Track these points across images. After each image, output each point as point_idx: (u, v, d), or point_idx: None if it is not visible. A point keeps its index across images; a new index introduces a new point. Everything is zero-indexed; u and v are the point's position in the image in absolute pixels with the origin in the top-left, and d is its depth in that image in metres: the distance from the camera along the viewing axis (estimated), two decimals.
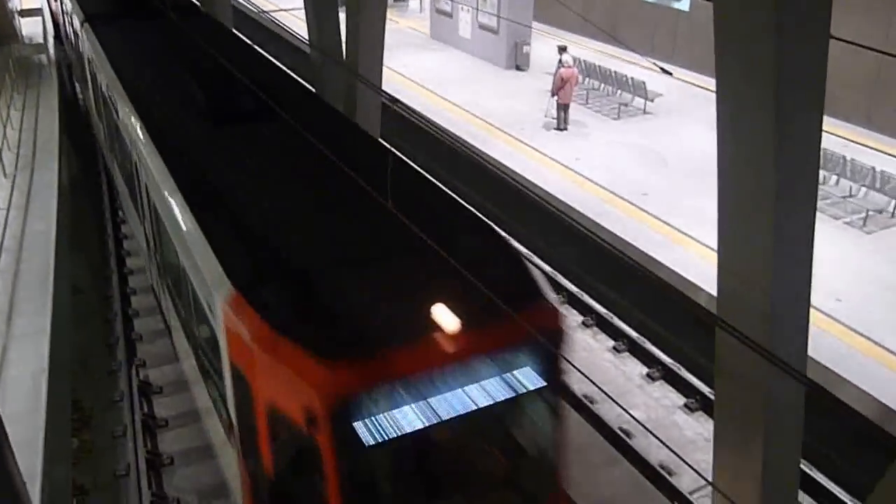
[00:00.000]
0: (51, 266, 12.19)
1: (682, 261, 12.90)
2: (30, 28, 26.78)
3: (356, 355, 5.37)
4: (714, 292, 7.11)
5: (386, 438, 5.31)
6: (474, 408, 5.53)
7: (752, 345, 4.12)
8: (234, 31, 16.75)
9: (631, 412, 11.08)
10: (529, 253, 14.02)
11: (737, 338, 4.03)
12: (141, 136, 9.66)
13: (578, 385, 11.31)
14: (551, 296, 6.32)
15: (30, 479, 7.75)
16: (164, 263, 9.41)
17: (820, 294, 11.13)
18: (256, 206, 7.61)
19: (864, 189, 15.12)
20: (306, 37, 15.00)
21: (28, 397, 9.21)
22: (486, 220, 7.50)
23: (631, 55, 20.23)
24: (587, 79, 21.98)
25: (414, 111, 7.44)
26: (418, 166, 10.45)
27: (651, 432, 3.99)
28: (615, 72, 21.10)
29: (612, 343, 12.74)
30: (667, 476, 10.16)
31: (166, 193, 8.23)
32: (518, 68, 24.18)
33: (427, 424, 5.40)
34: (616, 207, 14.99)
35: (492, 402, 5.59)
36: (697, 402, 11.46)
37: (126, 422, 10.62)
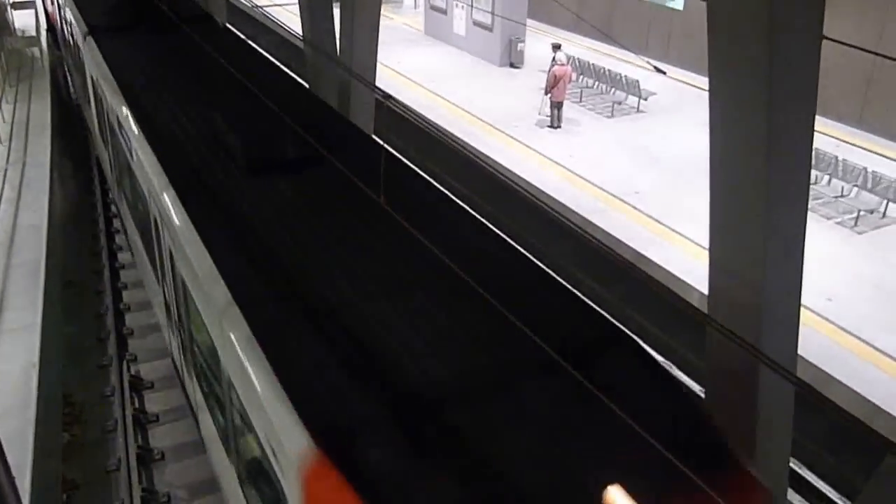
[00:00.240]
0: (42, 260, 12.15)
1: (672, 259, 12.94)
2: (23, 20, 26.62)
3: None
4: (705, 291, 7.14)
5: None
6: None
7: (742, 343, 4.13)
8: (257, 47, 15.72)
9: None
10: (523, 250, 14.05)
11: (727, 336, 4.04)
12: (164, 193, 8.00)
13: None
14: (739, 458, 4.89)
15: (19, 473, 7.74)
16: (193, 345, 7.90)
17: (811, 293, 11.18)
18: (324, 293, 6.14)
19: (855, 189, 15.19)
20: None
21: (18, 391, 9.18)
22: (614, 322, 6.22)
23: (625, 54, 20.26)
24: (581, 77, 22.00)
25: (408, 108, 7.41)
26: (413, 164, 10.48)
27: (642, 433, 3.98)
28: (609, 70, 21.12)
29: None
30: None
31: (199, 275, 6.87)
32: (512, 66, 24.19)
33: None
34: (608, 205, 15.02)
35: None
36: None
37: (117, 417, 10.61)
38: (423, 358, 5.36)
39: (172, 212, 7.65)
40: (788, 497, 9.53)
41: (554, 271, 6.67)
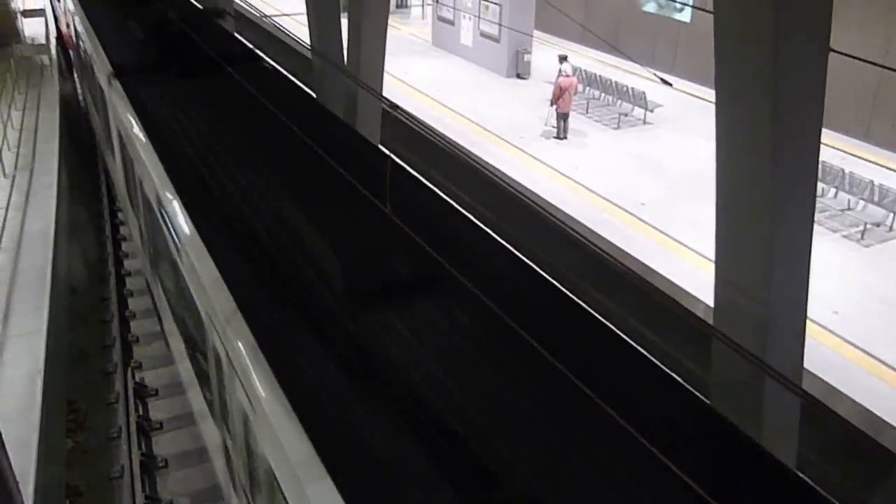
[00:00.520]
0: (48, 266, 12.19)
1: (677, 270, 12.92)
2: (32, 28, 26.80)
3: None
4: (710, 302, 7.13)
5: None
6: None
7: (748, 356, 4.12)
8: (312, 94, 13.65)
9: None
10: (528, 260, 14.03)
11: (733, 348, 4.04)
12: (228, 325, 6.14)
13: None
14: None
15: (23, 479, 7.74)
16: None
17: (817, 306, 11.14)
18: None
19: (862, 202, 15.16)
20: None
21: (23, 397, 9.19)
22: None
23: (631, 65, 20.29)
24: (587, 88, 22.03)
25: (414, 118, 7.34)
26: (419, 173, 10.48)
27: (645, 443, 3.99)
28: (615, 82, 21.14)
29: None
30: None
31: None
32: (519, 76, 24.23)
33: None
34: (614, 216, 15.01)
35: None
36: None
37: (121, 424, 10.61)
38: (428, 367, 5.36)
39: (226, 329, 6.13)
40: None
41: (559, 282, 6.66)
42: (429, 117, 19.84)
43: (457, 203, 9.26)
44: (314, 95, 14.65)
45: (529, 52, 24.13)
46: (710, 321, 6.99)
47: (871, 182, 14.83)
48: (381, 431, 4.79)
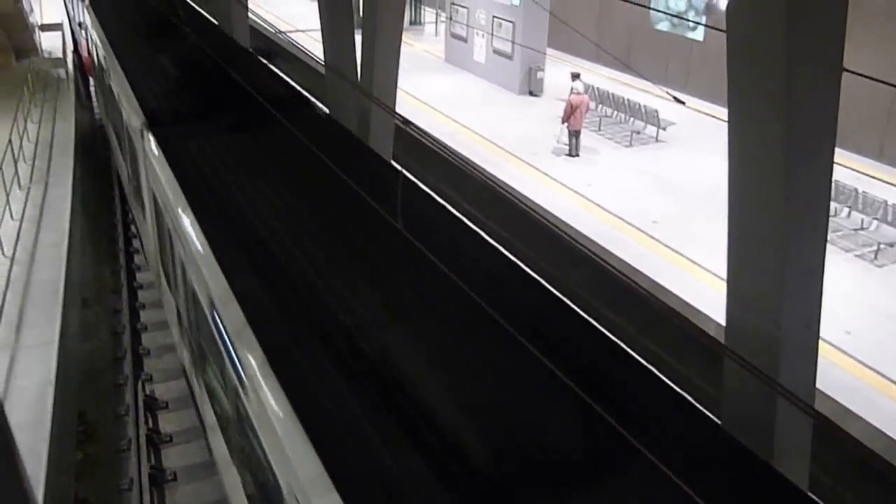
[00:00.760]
0: (61, 278, 12.27)
1: (690, 289, 12.87)
2: (50, 42, 27.09)
3: None
4: (722, 321, 7.09)
5: None
6: None
7: (759, 375, 4.10)
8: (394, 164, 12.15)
9: None
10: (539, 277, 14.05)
11: (745, 367, 4.02)
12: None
13: None
14: None
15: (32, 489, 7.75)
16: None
17: (830, 326, 11.07)
18: None
19: (875, 222, 15.08)
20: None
21: (34, 408, 9.22)
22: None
23: (644, 83, 20.31)
24: (600, 106, 22.06)
25: (427, 134, 7.28)
26: (431, 189, 10.48)
27: (657, 462, 3.97)
28: (628, 99, 21.17)
29: None
30: None
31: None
32: (531, 94, 24.30)
33: None
34: (625, 234, 14.98)
35: None
36: None
37: (131, 436, 10.63)
38: (439, 384, 5.35)
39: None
40: None
41: (571, 299, 6.65)
42: (442, 134, 19.90)
43: (468, 219, 9.27)
44: (327, 111, 14.74)
45: (542, 70, 24.20)
46: (722, 340, 6.95)
47: (885, 202, 14.76)
48: (390, 448, 4.78)
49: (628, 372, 5.74)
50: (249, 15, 21.44)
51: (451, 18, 27.42)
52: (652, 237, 14.87)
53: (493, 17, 24.90)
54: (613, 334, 6.43)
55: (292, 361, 5.62)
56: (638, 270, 13.53)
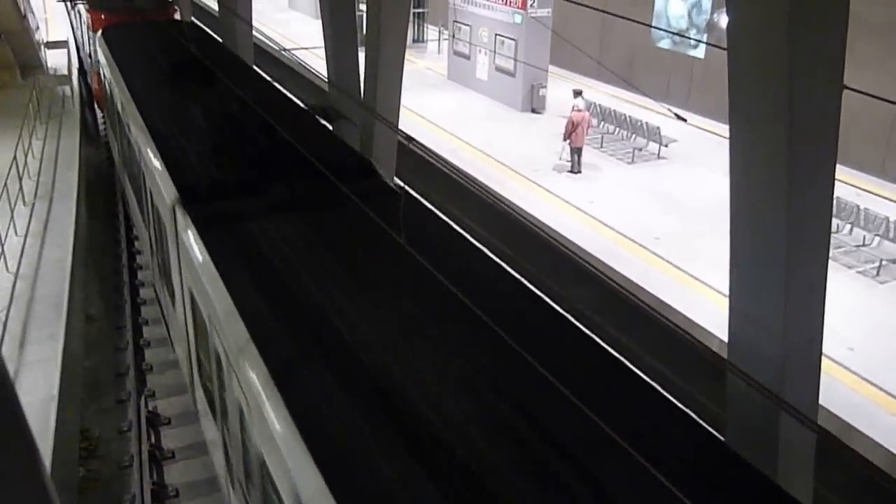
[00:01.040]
0: (65, 294, 12.29)
1: (692, 305, 12.87)
2: (55, 59, 27.25)
3: None
4: (725, 338, 7.10)
5: None
6: None
7: (762, 390, 4.11)
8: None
9: None
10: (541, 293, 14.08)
11: (748, 382, 4.03)
12: None
13: None
14: None
15: None
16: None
17: (833, 342, 11.06)
18: None
19: (877, 238, 15.09)
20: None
21: (36, 424, 9.22)
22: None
23: (646, 100, 20.39)
24: (602, 123, 22.14)
25: (429, 150, 7.22)
26: (434, 206, 10.50)
27: (661, 478, 3.97)
28: (630, 116, 21.25)
29: None
30: None
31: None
32: (534, 111, 24.39)
33: None
34: (628, 250, 15.01)
35: None
36: None
37: (133, 452, 10.61)
38: (444, 399, 5.36)
39: None
40: None
41: (573, 315, 6.66)
42: (445, 150, 19.97)
43: (471, 235, 9.30)
44: (330, 127, 14.81)
45: (545, 87, 24.31)
46: (725, 357, 6.95)
47: (887, 218, 14.78)
48: (394, 465, 4.79)
49: (631, 388, 5.74)
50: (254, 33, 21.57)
51: (453, 36, 27.59)
52: (654, 254, 14.89)
53: (496, 34, 25.05)
54: (616, 350, 6.44)
55: (296, 378, 5.63)
56: (641, 287, 13.54)
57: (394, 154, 14.55)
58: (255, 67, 18.21)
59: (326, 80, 15.26)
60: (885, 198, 17.37)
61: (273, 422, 5.38)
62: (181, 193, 8.83)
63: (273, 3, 40.53)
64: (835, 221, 15.48)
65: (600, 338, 6.53)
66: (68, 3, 29.04)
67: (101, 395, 12.18)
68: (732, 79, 6.11)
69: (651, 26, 24.11)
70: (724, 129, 6.52)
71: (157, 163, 10.08)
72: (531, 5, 23.50)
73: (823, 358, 6.89)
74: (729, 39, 6.09)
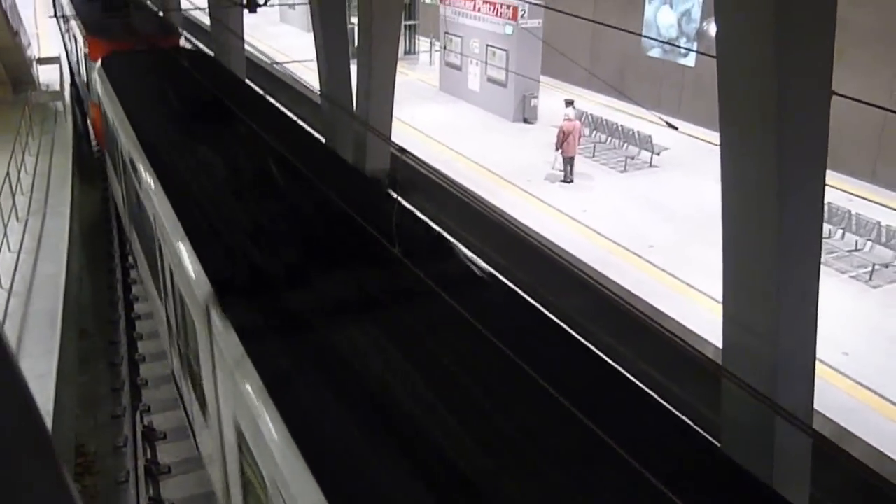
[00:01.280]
0: (59, 309, 12.27)
1: (687, 312, 12.91)
2: (47, 75, 27.27)
3: None
4: (719, 344, 7.13)
5: None
6: None
7: (757, 395, 4.13)
8: None
9: None
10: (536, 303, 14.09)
11: (742, 388, 4.05)
12: None
13: None
14: None
15: None
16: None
17: (827, 347, 11.10)
18: None
19: (869, 243, 15.17)
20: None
21: None
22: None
23: (637, 109, 20.49)
24: (594, 132, 22.23)
25: (422, 161, 7.19)
26: (427, 216, 10.53)
27: (657, 484, 3.99)
28: (622, 125, 21.34)
29: None
30: None
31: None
32: (526, 121, 24.48)
33: None
34: (622, 259, 15.05)
35: None
36: None
37: (129, 468, 10.58)
38: (440, 411, 5.36)
39: None
40: None
41: (568, 324, 6.68)
42: (438, 161, 20.02)
43: (465, 245, 9.33)
44: (323, 140, 14.84)
45: (536, 97, 24.41)
46: (719, 363, 6.98)
47: (878, 223, 14.86)
48: (392, 477, 4.79)
49: (626, 394, 5.75)
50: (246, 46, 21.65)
51: (445, 48, 27.70)
52: (648, 261, 14.93)
53: (487, 45, 25.16)
54: (611, 357, 6.46)
55: (291, 390, 5.63)
56: (635, 295, 13.58)
57: (387, 165, 14.59)
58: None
59: (319, 92, 15.31)
60: (877, 202, 17.47)
61: None
62: (216, 289, 6.97)
63: (265, 17, 40.60)
64: (827, 226, 15.55)
65: (595, 345, 6.55)
66: (61, 25, 28.83)
67: (96, 410, 12.14)
68: (722, 86, 6.17)
69: (641, 35, 24.26)
70: (716, 136, 6.57)
71: (180, 243, 7.99)
72: (522, 16, 23.63)
73: (818, 363, 6.92)
74: (718, 48, 6.14)
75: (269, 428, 5.38)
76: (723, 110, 6.22)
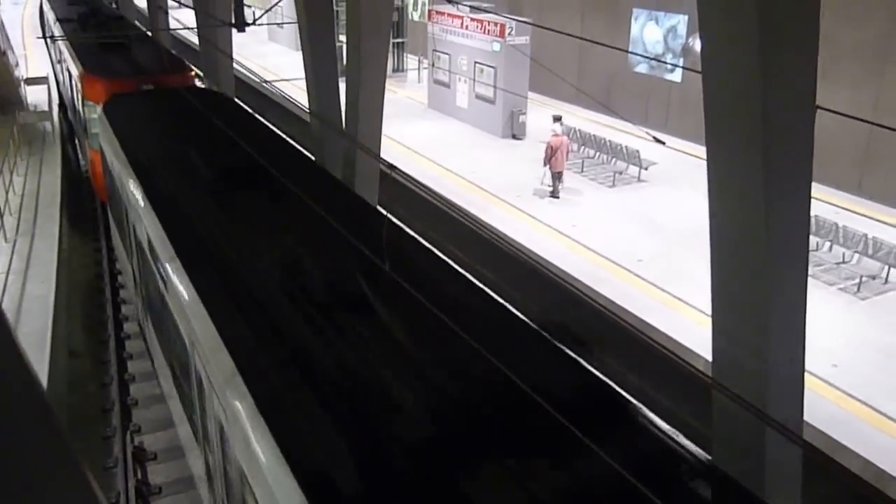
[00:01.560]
0: (48, 330, 12.21)
1: (676, 325, 12.95)
2: (35, 95, 27.24)
3: None
4: (709, 357, 7.16)
5: None
6: None
7: (748, 407, 4.16)
8: None
9: None
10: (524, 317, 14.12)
11: (733, 399, 4.08)
12: None
13: None
14: None
15: None
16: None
17: (816, 359, 11.16)
18: None
19: (857, 255, 15.28)
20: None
21: None
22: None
23: (625, 125, 20.62)
24: (582, 147, 22.35)
25: (412, 178, 7.15)
26: (417, 233, 10.55)
27: (650, 496, 4.00)
28: (610, 141, 21.47)
29: None
30: None
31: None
32: (514, 137, 24.59)
33: None
34: (611, 273, 15.10)
35: None
36: None
37: (119, 489, 10.51)
38: (431, 425, 5.37)
39: None
40: None
41: (558, 339, 6.70)
42: (427, 178, 20.07)
43: (454, 261, 9.35)
44: (313, 158, 14.88)
45: (524, 113, 24.54)
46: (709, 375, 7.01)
47: (865, 235, 14.97)
48: (385, 493, 4.79)
49: (617, 408, 5.78)
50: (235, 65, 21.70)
51: (433, 65, 27.84)
52: (637, 275, 14.99)
53: (475, 62, 25.30)
54: (601, 371, 6.48)
55: (281, 407, 5.63)
56: (625, 309, 13.62)
57: (376, 182, 14.62)
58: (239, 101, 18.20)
59: (308, 110, 15.35)
60: (863, 215, 17.61)
61: None
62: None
63: (253, 36, 40.74)
64: (814, 239, 15.66)
65: (586, 359, 6.57)
66: (50, 50, 28.01)
67: (86, 431, 12.06)
68: (708, 101, 6.23)
69: (628, 52, 24.45)
70: (703, 150, 6.64)
71: (235, 400, 5.93)
72: (509, 33, 23.79)
73: (808, 374, 6.96)
74: (703, 63, 6.22)
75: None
76: (709, 125, 6.29)
